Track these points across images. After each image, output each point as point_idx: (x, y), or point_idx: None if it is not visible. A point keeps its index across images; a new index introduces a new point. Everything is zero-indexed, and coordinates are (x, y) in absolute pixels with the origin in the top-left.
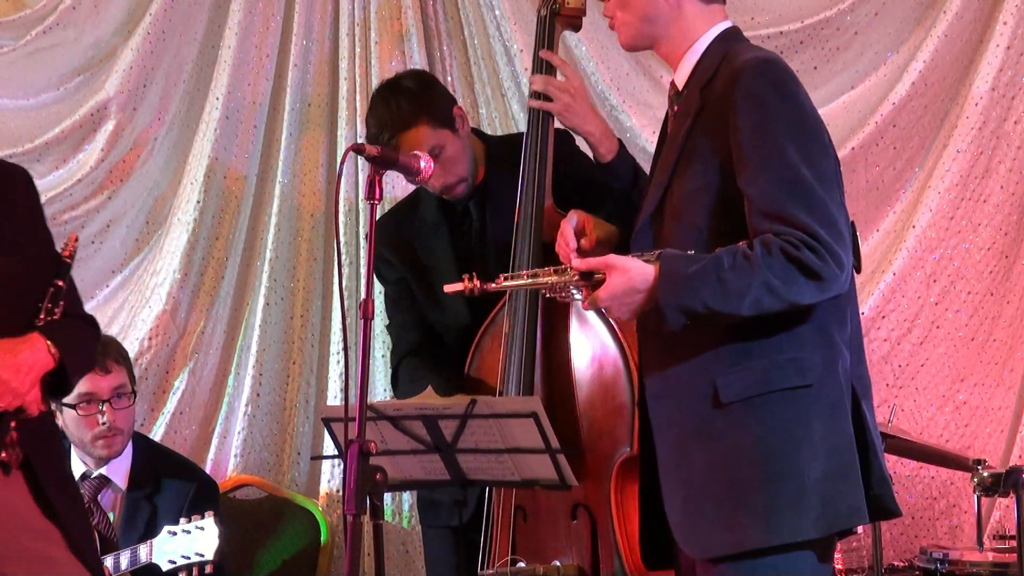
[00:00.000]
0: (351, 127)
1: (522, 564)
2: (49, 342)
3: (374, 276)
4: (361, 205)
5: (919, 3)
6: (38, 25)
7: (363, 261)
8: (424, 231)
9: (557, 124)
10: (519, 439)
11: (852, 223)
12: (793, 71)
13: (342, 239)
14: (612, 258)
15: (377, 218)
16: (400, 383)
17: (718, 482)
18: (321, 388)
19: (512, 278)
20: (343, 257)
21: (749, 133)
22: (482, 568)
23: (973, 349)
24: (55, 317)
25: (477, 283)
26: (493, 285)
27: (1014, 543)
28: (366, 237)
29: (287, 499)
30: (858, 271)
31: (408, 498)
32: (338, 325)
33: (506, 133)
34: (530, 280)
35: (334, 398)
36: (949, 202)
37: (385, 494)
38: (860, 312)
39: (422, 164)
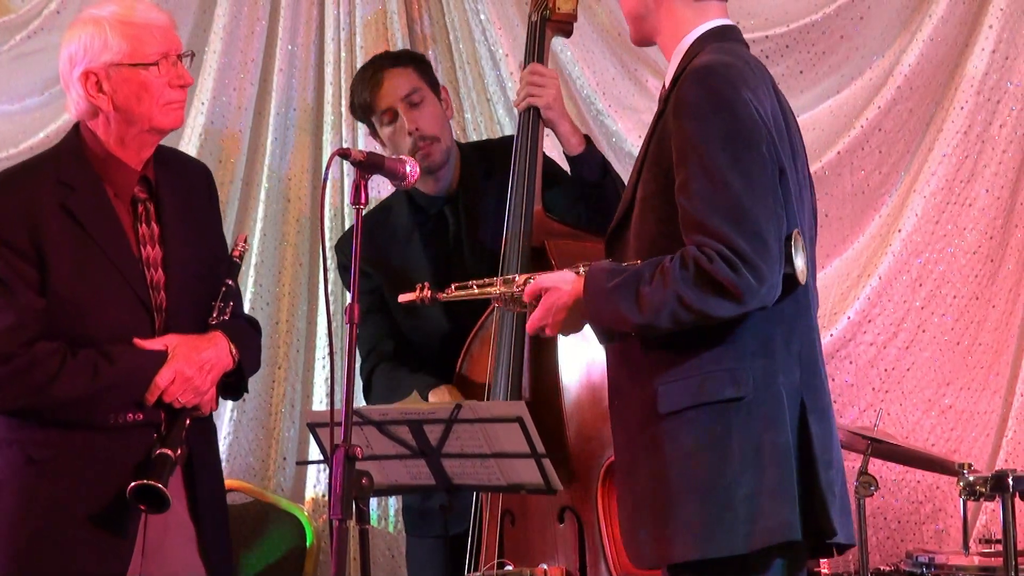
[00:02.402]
0: (336, 132)
1: (510, 567)
2: (231, 343)
3: (345, 286)
4: (347, 210)
5: (905, 7)
6: (23, 30)
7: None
8: (398, 238)
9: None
10: (504, 443)
11: (793, 235)
12: (739, 76)
13: (328, 244)
14: (543, 276)
15: (347, 230)
16: (375, 389)
17: (655, 492)
18: (307, 393)
19: (462, 288)
20: (329, 262)
21: (682, 141)
22: (469, 572)
23: (959, 353)
24: (225, 317)
25: (428, 292)
26: (443, 295)
27: (1000, 547)
28: (332, 248)
29: (273, 504)
30: (799, 282)
31: (394, 503)
32: (324, 330)
33: (485, 139)
34: (479, 291)
35: (320, 403)
36: (935, 206)
37: (371, 499)
38: (847, 316)
39: (407, 168)
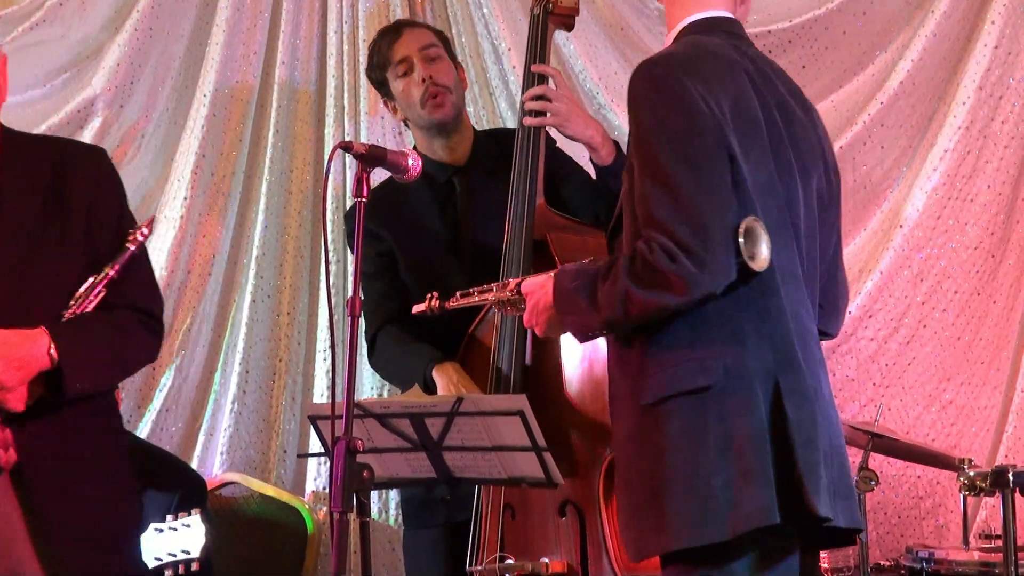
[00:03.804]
0: (339, 125)
1: (511, 561)
2: (53, 342)
3: (350, 249)
4: (349, 202)
5: (907, 2)
6: (25, 21)
7: (350, 258)
8: (409, 202)
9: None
10: (505, 437)
11: (745, 225)
12: (684, 65)
13: (329, 236)
14: (528, 279)
15: (377, 186)
16: (379, 349)
17: (638, 484)
18: (308, 386)
19: (465, 295)
20: (330, 254)
21: (633, 136)
22: (470, 565)
23: (960, 348)
24: (87, 308)
25: (436, 302)
26: (449, 303)
27: (1000, 542)
28: (344, 217)
29: (273, 497)
30: (754, 271)
31: (395, 496)
32: (325, 322)
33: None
34: (478, 297)
35: (321, 396)
36: (936, 201)
37: (372, 492)
38: (848, 311)
39: (410, 162)
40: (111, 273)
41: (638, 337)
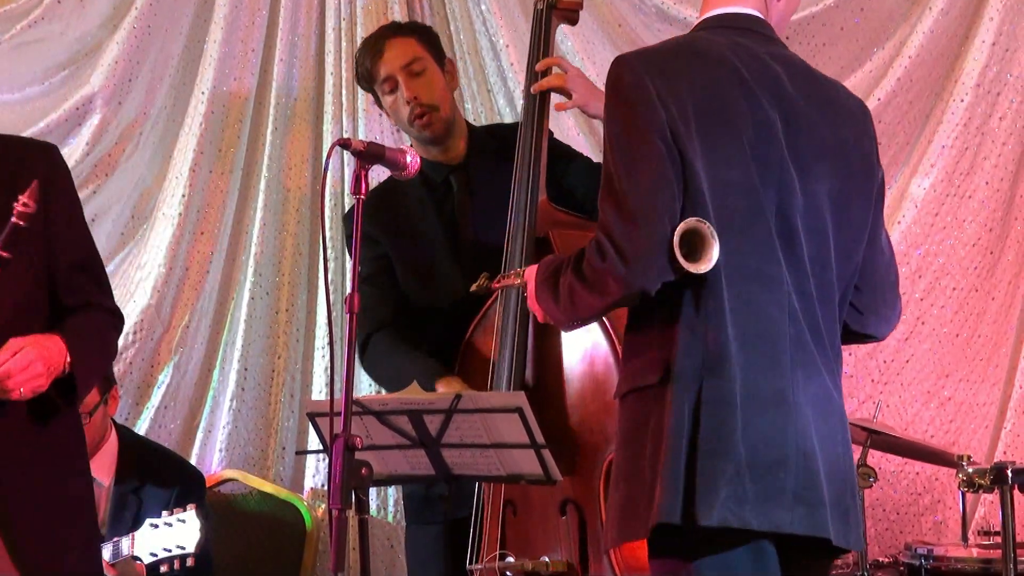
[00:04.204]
0: (337, 122)
1: (511, 559)
2: (68, 351)
3: (349, 254)
4: (347, 200)
5: None
6: (23, 19)
7: (348, 255)
8: (407, 205)
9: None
10: (504, 434)
11: (682, 226)
12: (648, 62)
13: (327, 234)
14: (530, 268)
15: (373, 188)
16: (372, 353)
17: (612, 478)
18: (306, 383)
19: (488, 280)
20: (328, 252)
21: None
22: (471, 563)
23: (958, 345)
24: None
25: (484, 282)
26: (496, 283)
27: (999, 539)
28: (343, 218)
29: (272, 494)
30: (695, 271)
31: (393, 493)
32: (323, 320)
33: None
34: (501, 283)
35: (319, 393)
36: (934, 198)
37: (370, 489)
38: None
39: (408, 159)
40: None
41: (624, 333)
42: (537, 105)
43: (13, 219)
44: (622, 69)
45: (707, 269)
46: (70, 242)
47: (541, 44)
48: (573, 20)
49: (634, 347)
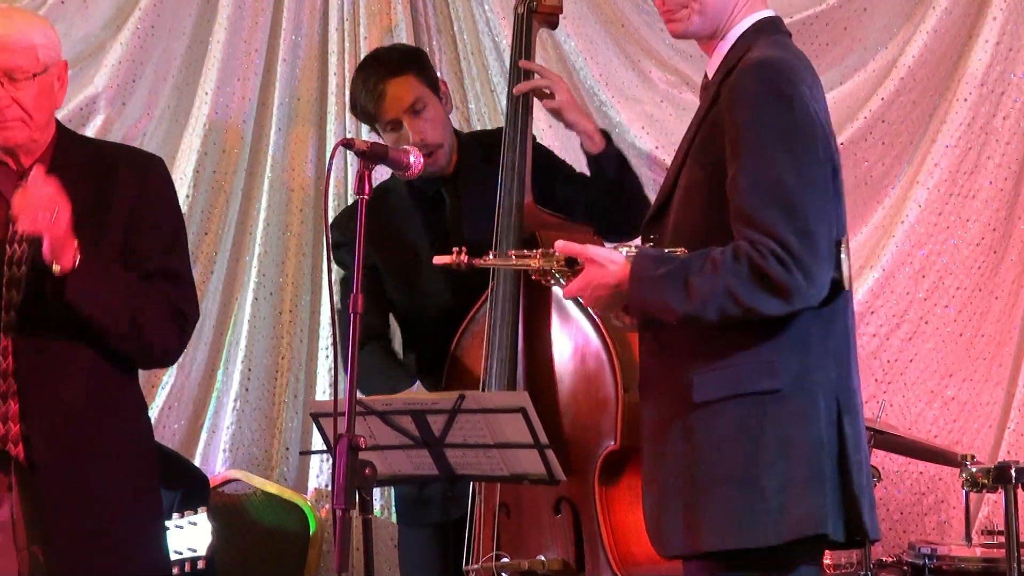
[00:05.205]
0: (340, 122)
1: (507, 559)
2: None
3: (336, 264)
4: (351, 200)
5: None
6: None
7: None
8: (396, 217)
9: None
10: (507, 434)
11: (842, 240)
12: (797, 71)
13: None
14: (592, 250)
15: (345, 208)
16: (360, 365)
17: (684, 481)
18: (310, 383)
19: (499, 256)
20: (332, 252)
21: (737, 133)
22: (466, 564)
23: (962, 344)
24: None
25: (465, 258)
26: (480, 260)
27: (1002, 538)
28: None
29: (276, 494)
30: (844, 287)
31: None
32: (327, 320)
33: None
34: (517, 260)
35: (323, 393)
36: (938, 198)
37: (374, 489)
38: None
39: (411, 159)
40: None
41: (690, 334)
42: (520, 108)
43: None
44: (774, 74)
45: (849, 286)
46: (150, 250)
47: (523, 48)
48: (554, 24)
49: (724, 349)
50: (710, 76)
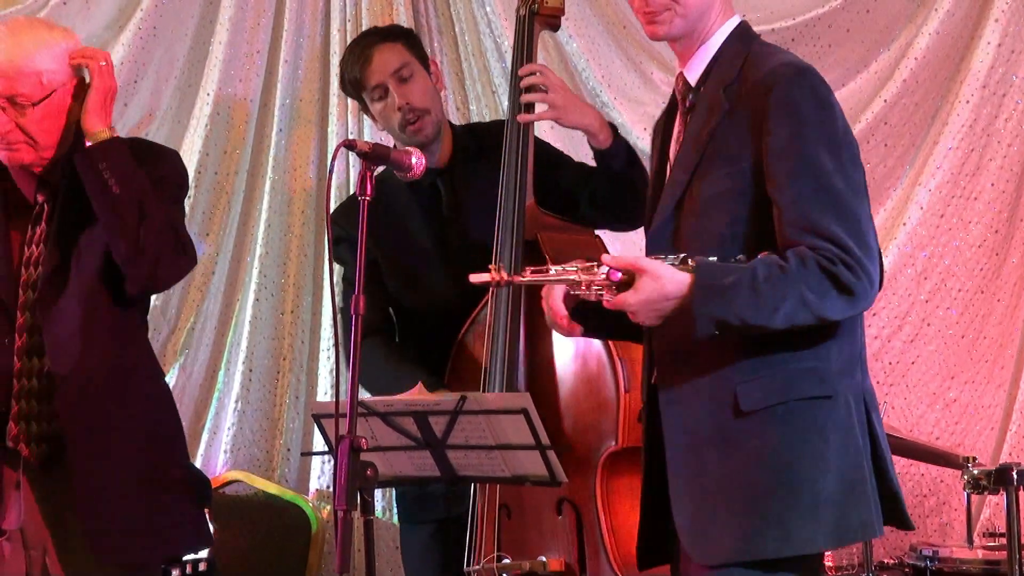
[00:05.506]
0: (342, 123)
1: (508, 560)
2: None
3: (335, 262)
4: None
5: (911, 0)
6: None
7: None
8: (393, 210)
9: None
10: (509, 435)
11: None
12: (822, 76)
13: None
14: (643, 261)
15: (343, 202)
16: (362, 361)
17: (734, 489)
18: (311, 384)
19: (538, 271)
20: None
21: (784, 141)
22: (468, 565)
23: (964, 346)
24: None
25: (504, 275)
26: (520, 278)
27: (1004, 540)
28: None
29: (277, 495)
30: (881, 286)
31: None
32: (329, 321)
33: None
34: (556, 276)
35: (324, 394)
36: (940, 199)
37: (376, 490)
38: None
39: (413, 160)
40: None
41: (733, 342)
42: (522, 110)
43: None
44: (815, 82)
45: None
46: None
47: (524, 50)
48: (555, 26)
49: (768, 356)
50: (692, 81)
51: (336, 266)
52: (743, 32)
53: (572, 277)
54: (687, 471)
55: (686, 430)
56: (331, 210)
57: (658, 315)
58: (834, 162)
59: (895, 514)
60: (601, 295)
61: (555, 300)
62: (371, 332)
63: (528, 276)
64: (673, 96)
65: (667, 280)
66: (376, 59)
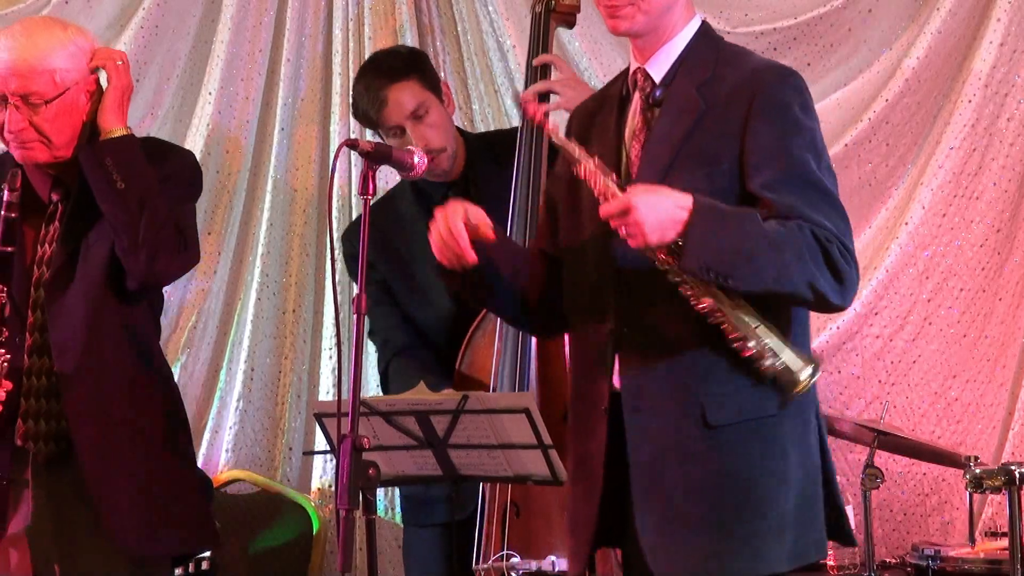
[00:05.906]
0: (344, 122)
1: (516, 559)
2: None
3: (351, 277)
4: (354, 200)
5: (912, 0)
6: None
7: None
8: (403, 225)
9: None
10: (511, 435)
11: None
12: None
13: (335, 234)
14: (635, 187)
15: (353, 222)
16: (391, 384)
17: (699, 507)
18: (313, 383)
19: (566, 142)
20: (336, 252)
21: (773, 140)
22: (476, 564)
23: (965, 346)
24: None
25: (541, 114)
26: (551, 129)
27: (1006, 540)
28: (339, 239)
29: (279, 494)
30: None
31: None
32: (330, 320)
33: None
34: (581, 154)
35: (326, 393)
36: (942, 199)
37: (378, 489)
38: (853, 308)
39: (415, 159)
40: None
41: (700, 350)
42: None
43: (3, 212)
44: (801, 83)
45: None
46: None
47: (540, 47)
48: (571, 23)
49: (734, 372)
50: (658, 77)
51: (350, 278)
52: (708, 32)
53: (592, 163)
54: (647, 482)
55: (648, 438)
56: (333, 209)
57: (657, 213)
58: (819, 162)
59: (839, 530)
60: (608, 190)
61: (455, 221)
62: (397, 351)
63: (557, 137)
64: (621, 89)
65: (667, 192)
66: (391, 101)
